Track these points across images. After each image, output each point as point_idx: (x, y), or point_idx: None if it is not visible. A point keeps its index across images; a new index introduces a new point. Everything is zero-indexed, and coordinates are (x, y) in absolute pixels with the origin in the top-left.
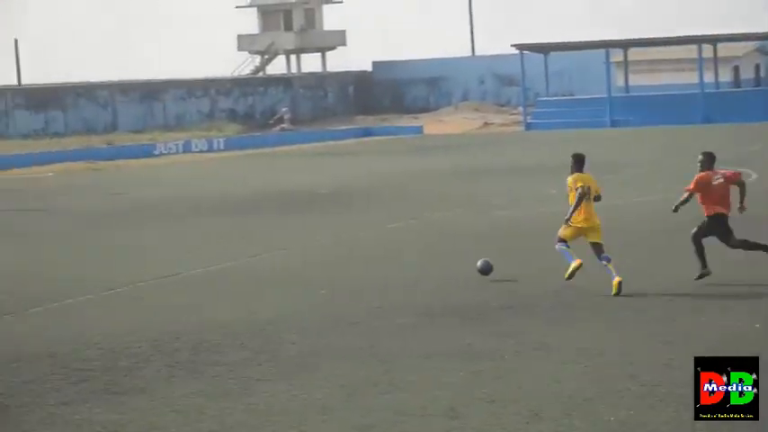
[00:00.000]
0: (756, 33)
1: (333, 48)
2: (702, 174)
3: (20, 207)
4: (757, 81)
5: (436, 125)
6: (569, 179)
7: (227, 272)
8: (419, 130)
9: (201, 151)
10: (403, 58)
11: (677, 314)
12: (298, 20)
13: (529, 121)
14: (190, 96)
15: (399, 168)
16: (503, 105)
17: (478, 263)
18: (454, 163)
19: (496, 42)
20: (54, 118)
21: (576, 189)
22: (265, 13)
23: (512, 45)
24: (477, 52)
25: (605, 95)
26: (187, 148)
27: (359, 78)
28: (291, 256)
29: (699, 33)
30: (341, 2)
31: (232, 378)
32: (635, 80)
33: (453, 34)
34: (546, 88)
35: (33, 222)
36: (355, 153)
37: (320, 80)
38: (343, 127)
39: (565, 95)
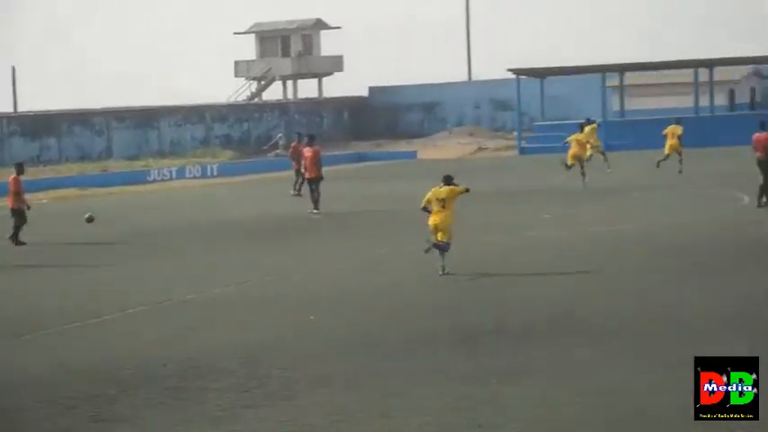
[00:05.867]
0: (752, 57)
1: (330, 73)
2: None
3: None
4: (752, 104)
5: (430, 150)
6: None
7: (218, 298)
8: (413, 155)
9: (195, 177)
10: (399, 84)
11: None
12: (295, 46)
13: (523, 145)
14: (185, 122)
15: (388, 192)
16: (498, 130)
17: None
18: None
19: (494, 68)
20: (48, 145)
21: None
22: (263, 39)
23: (508, 70)
24: (474, 77)
25: (601, 119)
26: (180, 175)
27: (355, 104)
28: (282, 282)
29: (695, 57)
30: (339, 28)
31: (219, 404)
32: (632, 104)
33: (450, 59)
34: (542, 113)
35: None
36: (348, 178)
37: (316, 106)
38: (337, 152)
39: (561, 120)
